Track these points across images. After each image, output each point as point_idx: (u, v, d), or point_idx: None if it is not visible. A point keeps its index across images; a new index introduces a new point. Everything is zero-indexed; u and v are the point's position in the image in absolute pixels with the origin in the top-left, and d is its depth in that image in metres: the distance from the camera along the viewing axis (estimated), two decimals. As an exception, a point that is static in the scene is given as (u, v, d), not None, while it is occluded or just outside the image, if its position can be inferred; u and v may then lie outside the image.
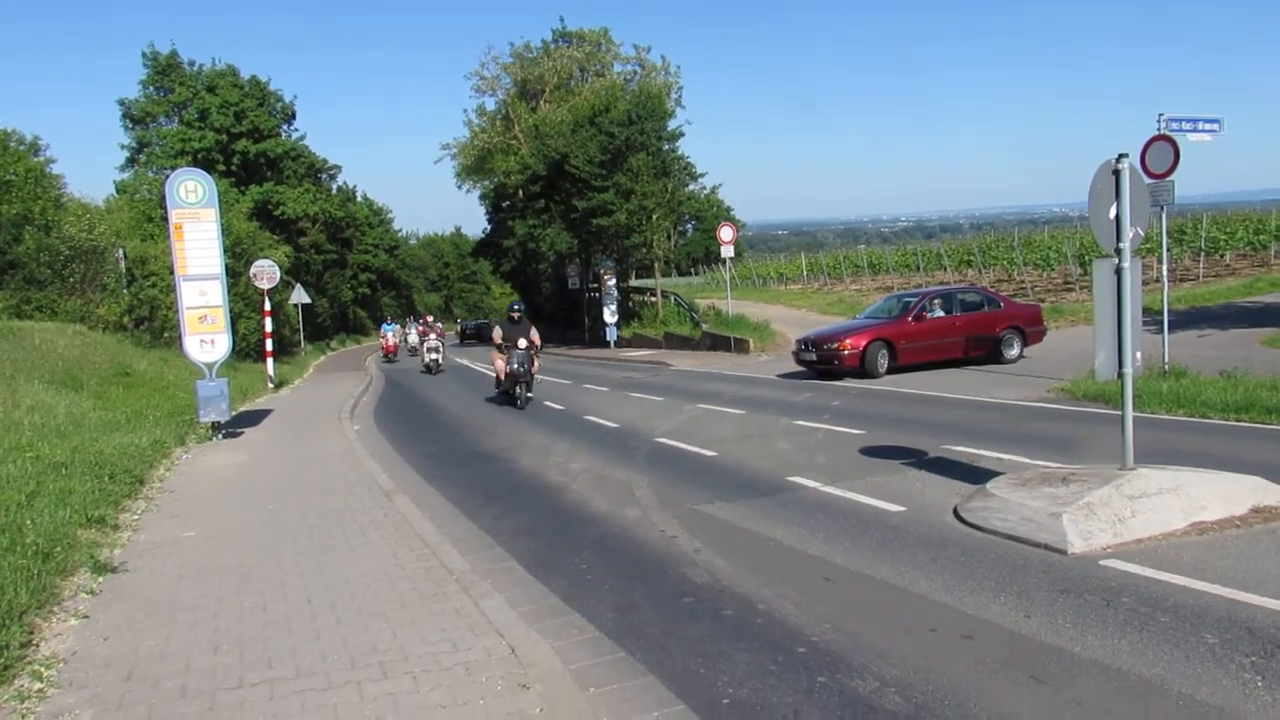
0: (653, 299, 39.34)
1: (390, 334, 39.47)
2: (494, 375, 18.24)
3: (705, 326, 31.26)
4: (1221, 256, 33.80)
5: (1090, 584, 5.44)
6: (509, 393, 17.27)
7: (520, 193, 44.49)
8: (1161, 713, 3.88)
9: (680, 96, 48.75)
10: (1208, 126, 14.52)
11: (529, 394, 17.07)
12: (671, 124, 38.09)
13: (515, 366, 16.55)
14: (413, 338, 41.82)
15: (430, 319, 31.00)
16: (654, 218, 36.64)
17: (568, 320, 46.97)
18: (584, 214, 36.59)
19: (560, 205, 39.20)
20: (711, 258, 54.03)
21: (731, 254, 32.72)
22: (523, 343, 16.50)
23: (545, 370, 28.73)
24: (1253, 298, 25.34)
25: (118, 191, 41.90)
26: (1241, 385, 11.67)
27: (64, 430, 11.39)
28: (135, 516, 8.37)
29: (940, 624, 5.03)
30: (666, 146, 37.22)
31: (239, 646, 5.01)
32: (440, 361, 28.24)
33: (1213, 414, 10.78)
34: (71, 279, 24.37)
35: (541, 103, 48.54)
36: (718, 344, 28.71)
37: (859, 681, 4.34)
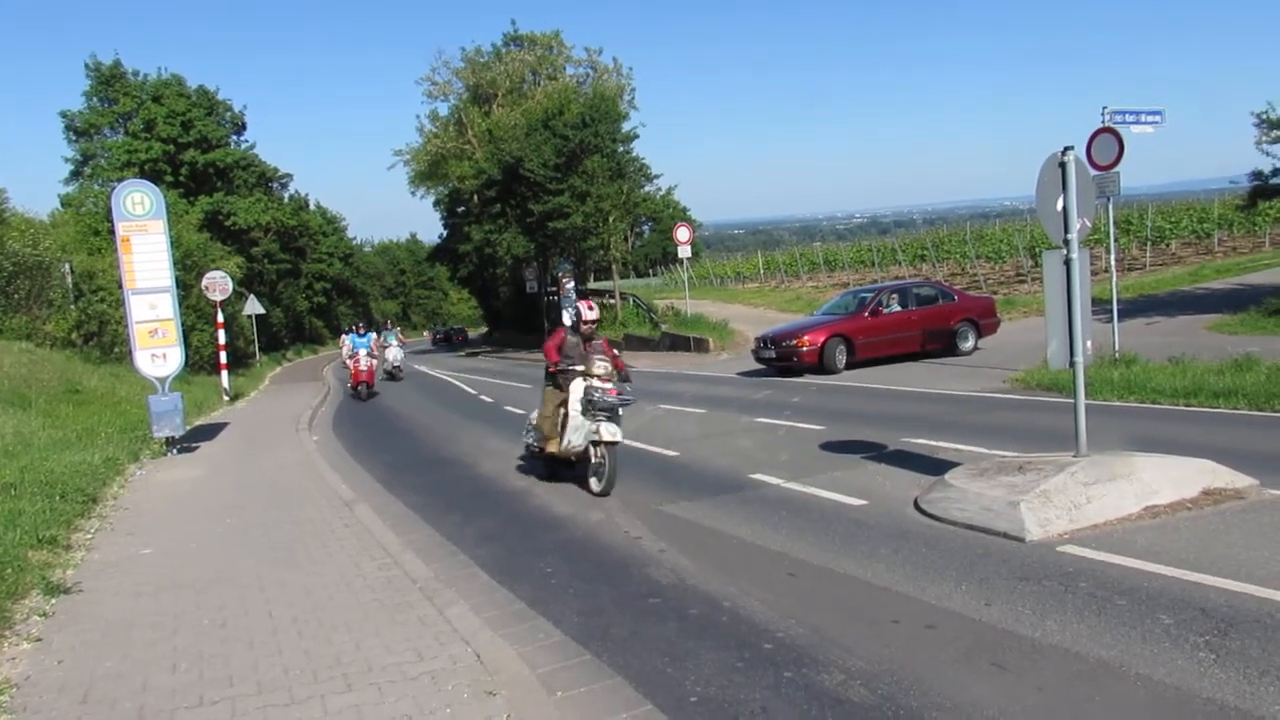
0: (611, 301, 39.34)
1: (362, 352, 22.79)
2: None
3: (664, 327, 31.32)
4: (1167, 245, 34.50)
5: (1048, 570, 5.53)
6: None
7: (475, 197, 44.34)
8: (1120, 693, 3.94)
9: (633, 98, 48.88)
10: (1150, 118, 14.81)
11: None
12: (625, 126, 38.20)
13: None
14: (394, 354, 27.95)
15: (589, 314, 9.45)
16: (610, 220, 36.68)
17: (527, 324, 46.86)
18: (540, 217, 36.52)
19: (516, 209, 39.10)
20: (669, 258, 54.21)
21: (689, 254, 32.85)
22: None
23: (507, 375, 28.60)
24: (1198, 284, 25.89)
25: (62, 205, 41.12)
26: (1189, 371, 11.92)
27: (12, 450, 11.12)
28: (89, 536, 8.20)
29: (903, 615, 5.08)
30: (621, 148, 37.29)
31: (199, 664, 4.93)
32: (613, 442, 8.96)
33: (1162, 399, 11.00)
34: (16, 295, 23.83)
35: (494, 107, 48.37)
36: (677, 344, 28.78)
37: (825, 675, 4.37)
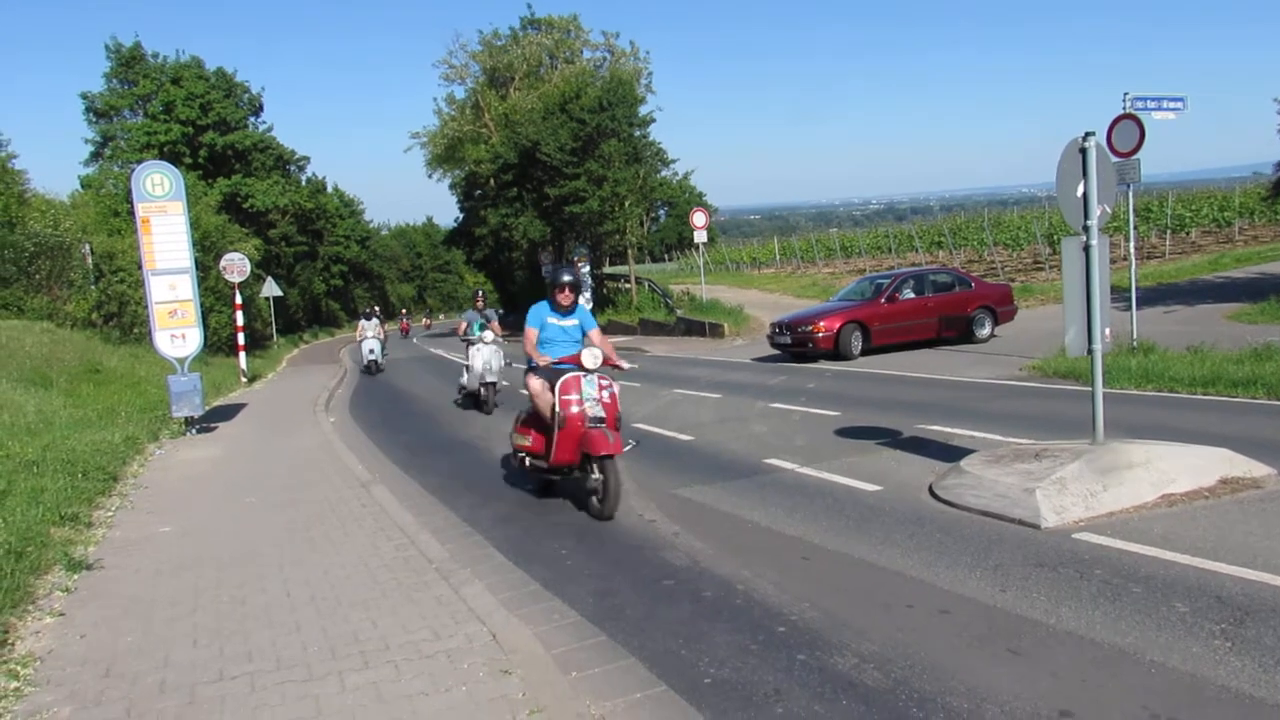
0: (627, 285, 39.33)
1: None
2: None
3: (680, 312, 31.30)
4: (1187, 234, 34.20)
5: (1064, 557, 5.52)
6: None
7: (492, 181, 44.29)
8: (1135, 681, 3.94)
9: (650, 82, 48.63)
10: (1172, 105, 14.68)
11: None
12: (642, 110, 38.07)
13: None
14: (489, 356, 14.86)
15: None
16: (627, 204, 36.62)
17: (542, 308, 46.84)
18: (556, 201, 36.49)
19: (532, 193, 39.06)
20: (685, 243, 54.12)
21: (705, 239, 32.75)
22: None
23: (522, 359, 28.70)
24: (1218, 273, 25.68)
25: (83, 186, 41.29)
26: (1208, 360, 11.84)
27: (34, 428, 11.26)
28: (109, 513, 8.29)
29: (917, 600, 5.09)
30: (638, 132, 37.18)
31: (218, 640, 4.99)
32: None
33: (1180, 388, 10.94)
34: (38, 275, 24.05)
35: (511, 90, 48.26)
36: (692, 329, 28.76)
37: (838, 658, 4.39)
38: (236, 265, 25.60)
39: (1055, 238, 31.78)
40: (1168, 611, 4.59)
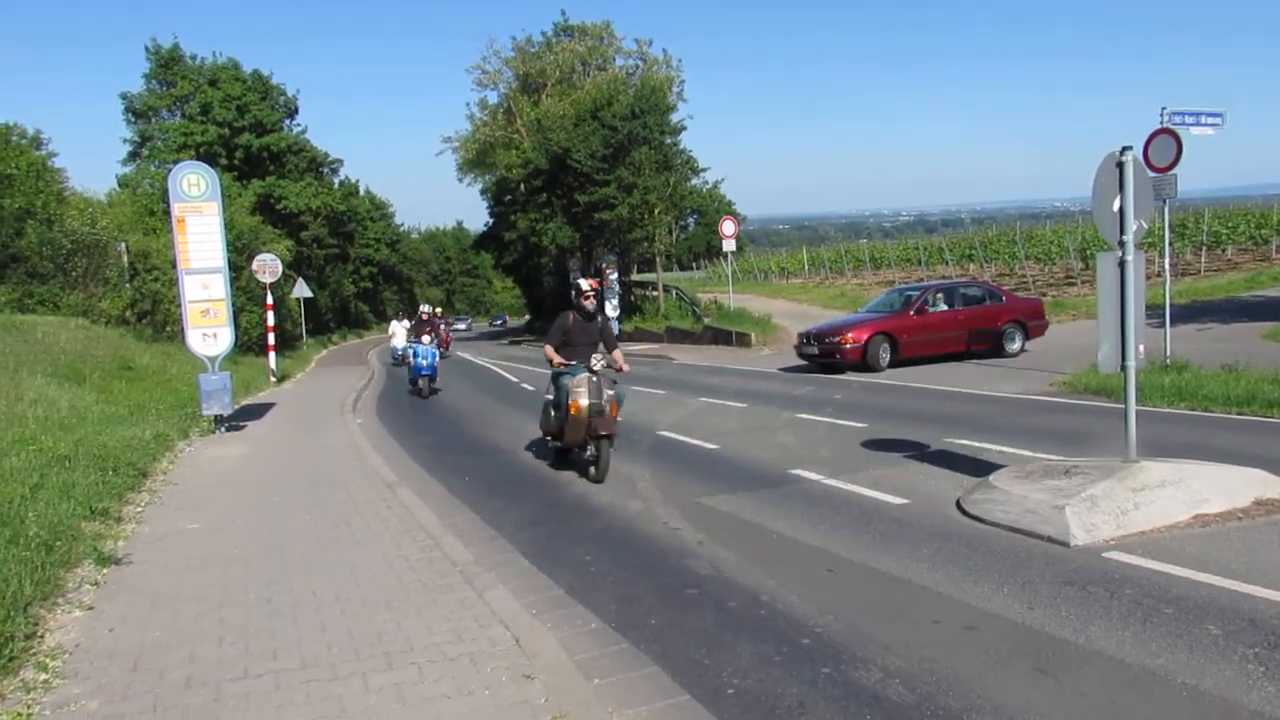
0: (654, 293, 39.32)
1: None
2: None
3: (707, 320, 31.25)
4: (1223, 251, 33.72)
5: (1093, 576, 5.45)
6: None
7: (522, 186, 44.53)
8: (1165, 703, 3.88)
9: (682, 90, 48.89)
10: (1210, 120, 14.48)
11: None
12: (673, 118, 38.10)
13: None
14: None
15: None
16: (656, 212, 36.66)
17: (569, 314, 46.96)
18: (586, 208, 36.61)
19: (562, 199, 39.22)
20: (713, 252, 53.99)
21: (733, 248, 32.70)
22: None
23: (545, 364, 28.76)
24: (1254, 292, 25.29)
25: (120, 185, 41.99)
26: (1243, 379, 11.67)
27: (67, 423, 11.41)
28: (139, 509, 8.38)
29: (944, 615, 5.04)
30: (668, 140, 37.22)
31: (244, 638, 5.02)
32: None
33: (1215, 407, 10.78)
34: (74, 273, 24.45)
35: (543, 96, 48.57)
36: (719, 338, 28.71)
37: (863, 672, 4.35)
38: (269, 266, 25.84)
39: (1088, 253, 31.44)
40: (1200, 634, 4.52)
